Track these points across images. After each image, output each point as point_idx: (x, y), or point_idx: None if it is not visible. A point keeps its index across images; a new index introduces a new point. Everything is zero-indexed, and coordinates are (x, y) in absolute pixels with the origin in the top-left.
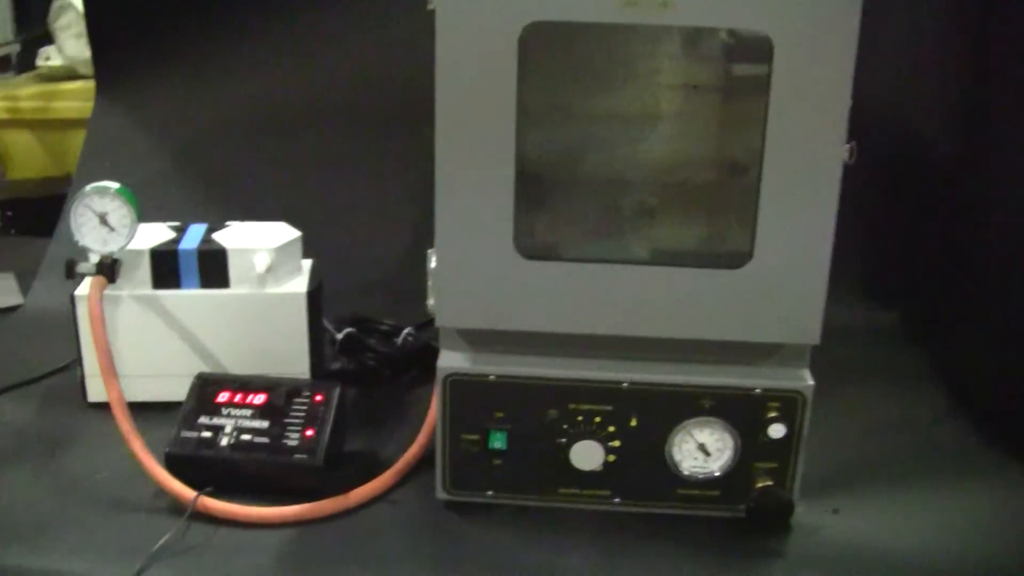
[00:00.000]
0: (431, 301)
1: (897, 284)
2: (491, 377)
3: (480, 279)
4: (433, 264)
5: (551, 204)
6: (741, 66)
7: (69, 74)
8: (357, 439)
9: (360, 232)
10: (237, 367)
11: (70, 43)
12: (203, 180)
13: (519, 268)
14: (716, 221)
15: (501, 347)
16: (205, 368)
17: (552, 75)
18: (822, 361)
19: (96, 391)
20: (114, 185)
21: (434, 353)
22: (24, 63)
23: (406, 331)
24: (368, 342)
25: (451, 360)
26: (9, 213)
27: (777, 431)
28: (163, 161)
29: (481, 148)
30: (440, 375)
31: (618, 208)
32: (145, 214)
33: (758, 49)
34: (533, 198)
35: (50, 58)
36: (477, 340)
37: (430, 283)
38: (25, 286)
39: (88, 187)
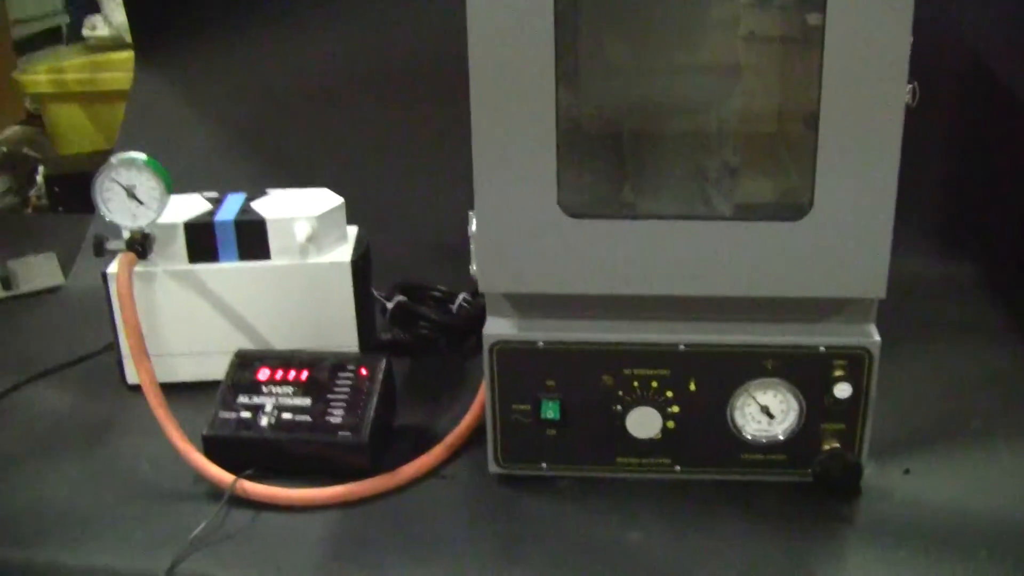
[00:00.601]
0: (474, 266)
1: (973, 232)
2: (539, 344)
3: (523, 240)
4: (474, 227)
5: (596, 158)
6: (794, 9)
7: (117, 44)
8: (410, 414)
9: (410, 194)
10: (282, 342)
11: (117, 11)
12: (247, 150)
13: (564, 227)
14: (773, 172)
15: (549, 312)
16: (248, 345)
17: (594, 19)
18: (892, 315)
19: (134, 373)
20: (141, 156)
21: None
22: (73, 34)
23: (461, 296)
24: (420, 310)
25: (497, 327)
26: (56, 189)
27: (843, 391)
28: (206, 132)
29: (519, 99)
30: (486, 343)
31: (667, 161)
32: (187, 186)
33: None
34: (577, 152)
35: (96, 28)
36: (524, 305)
37: (472, 247)
38: (69, 266)
39: (114, 159)
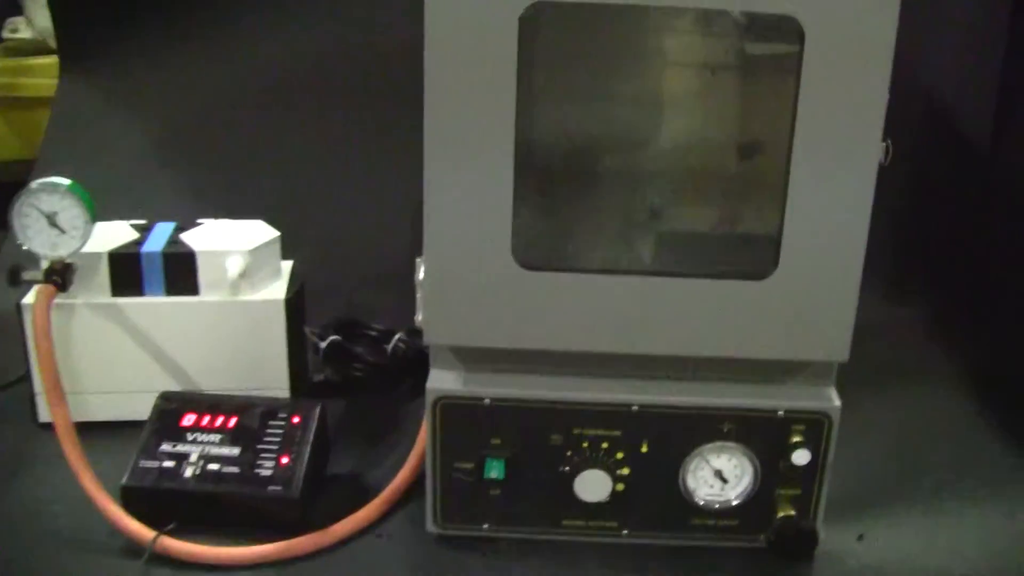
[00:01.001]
0: (419, 316)
1: (920, 276)
2: (486, 400)
3: (474, 291)
4: (422, 275)
5: (553, 208)
6: (765, 47)
7: (39, 48)
8: (342, 461)
9: (349, 224)
10: (209, 383)
11: (41, 14)
12: (178, 163)
13: (518, 279)
14: (737, 228)
15: (498, 366)
16: (173, 384)
17: (556, 59)
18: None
19: (48, 410)
20: (64, 181)
21: (429, 361)
22: None
23: (397, 337)
24: (355, 350)
25: (442, 381)
26: None
27: (801, 457)
28: (133, 146)
29: (475, 143)
30: (429, 398)
31: (628, 212)
32: (112, 206)
33: (785, 29)
34: (533, 201)
35: (18, 30)
36: (471, 358)
37: (419, 295)
38: None
39: (34, 183)
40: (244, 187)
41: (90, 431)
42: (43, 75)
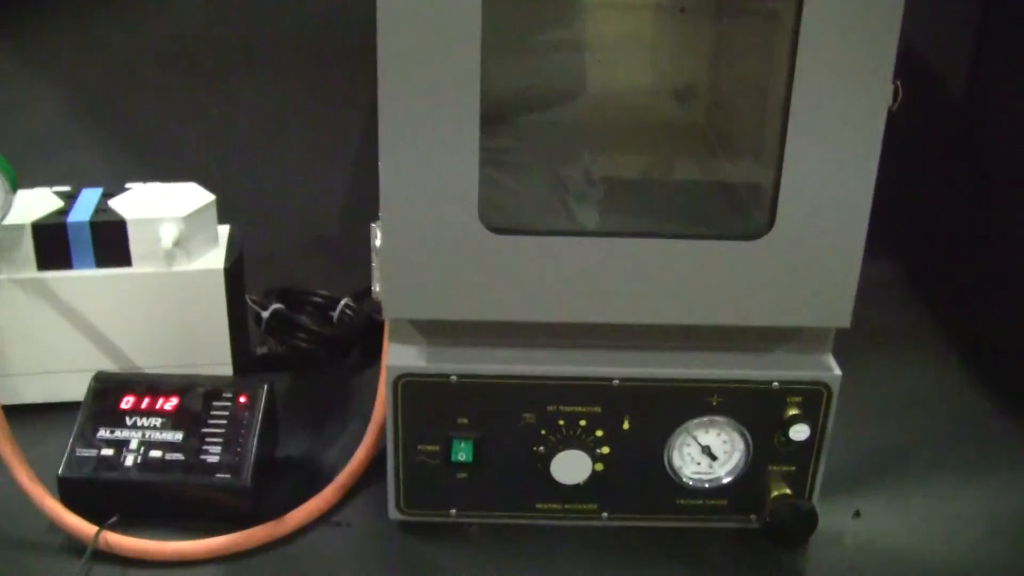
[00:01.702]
0: (376, 287)
1: (893, 231)
2: (452, 377)
3: (437, 258)
4: (378, 241)
5: (524, 164)
6: None
7: None
8: (293, 442)
9: (286, 184)
10: (146, 360)
11: None
12: (102, 126)
13: (485, 243)
14: (728, 183)
15: (463, 340)
16: (108, 363)
17: (522, 2)
18: None
19: None
20: None
21: (378, 328)
22: None
23: (343, 303)
24: (299, 320)
25: (403, 357)
26: None
27: (800, 432)
28: (53, 107)
29: (436, 91)
30: (390, 376)
31: (606, 168)
32: (33, 171)
33: None
34: (502, 157)
35: None
36: (434, 331)
37: (375, 264)
38: None
39: None
40: (173, 148)
41: (21, 414)
42: None
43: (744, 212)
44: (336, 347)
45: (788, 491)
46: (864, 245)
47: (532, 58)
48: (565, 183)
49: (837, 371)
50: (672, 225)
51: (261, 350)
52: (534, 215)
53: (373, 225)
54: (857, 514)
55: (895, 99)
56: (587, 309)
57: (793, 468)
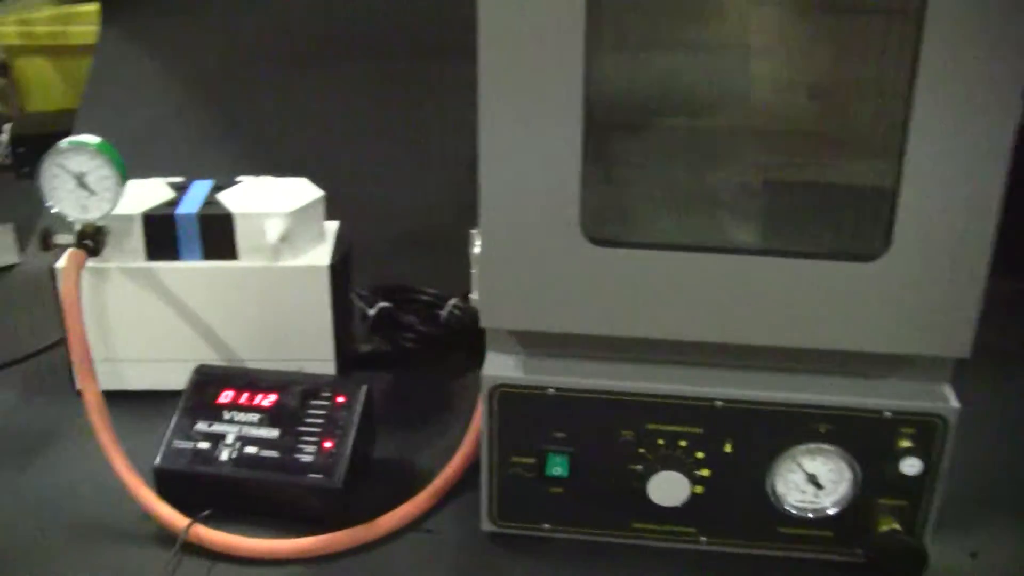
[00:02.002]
0: (475, 294)
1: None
2: (549, 390)
3: (536, 269)
4: (477, 249)
5: (627, 174)
6: None
7: None
8: (390, 443)
9: (399, 181)
10: (249, 353)
11: None
12: (218, 115)
13: (586, 256)
14: (843, 201)
15: (562, 351)
16: (211, 354)
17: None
18: None
19: None
20: (94, 140)
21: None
22: None
23: (451, 303)
24: (405, 320)
25: (500, 367)
26: (21, 150)
27: (911, 466)
28: (175, 97)
29: (538, 96)
30: (486, 385)
31: (715, 181)
32: (151, 153)
33: None
34: (605, 166)
35: None
36: (532, 342)
37: (474, 271)
38: (26, 240)
39: (63, 142)
40: (288, 142)
41: (126, 400)
42: (90, 21)
43: (860, 231)
44: (441, 347)
45: (897, 527)
46: (988, 270)
47: (649, 62)
48: (674, 195)
49: (955, 403)
50: (784, 241)
51: (365, 348)
52: (638, 227)
53: (472, 231)
54: (974, 555)
55: None
56: (690, 326)
57: (904, 503)
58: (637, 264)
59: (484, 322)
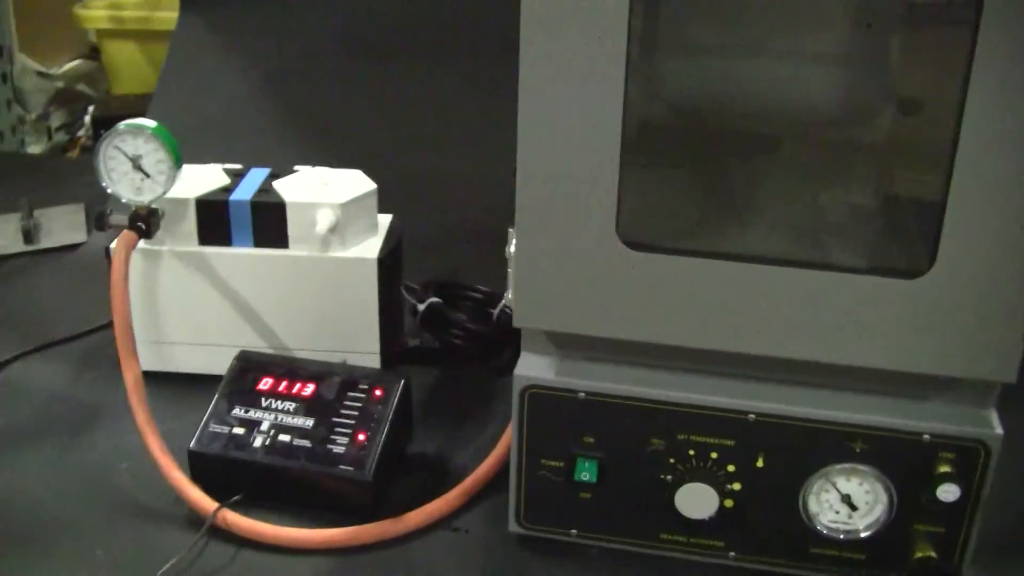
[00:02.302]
0: (510, 294)
1: None
2: (580, 394)
3: (571, 272)
4: (513, 248)
5: (666, 179)
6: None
7: None
8: (428, 438)
9: (456, 177)
10: (296, 342)
11: None
12: (284, 105)
13: (622, 261)
14: (889, 215)
15: (595, 355)
16: (258, 341)
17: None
18: None
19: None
20: (150, 124)
21: None
22: None
23: (504, 301)
24: (455, 317)
25: (532, 367)
26: (102, 131)
27: (948, 493)
28: (248, 86)
29: (577, 98)
30: (517, 386)
31: (757, 188)
32: (217, 139)
33: None
34: (644, 170)
35: None
36: (566, 344)
37: (510, 271)
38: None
39: (121, 124)
40: (355, 134)
41: (174, 382)
42: (176, 8)
43: (905, 247)
44: (490, 346)
45: (933, 554)
46: None
47: (691, 66)
48: (714, 201)
49: (999, 430)
50: (826, 254)
51: (413, 343)
52: (676, 233)
53: (510, 230)
54: None
55: None
56: (726, 337)
57: (942, 529)
58: (673, 271)
59: (517, 322)
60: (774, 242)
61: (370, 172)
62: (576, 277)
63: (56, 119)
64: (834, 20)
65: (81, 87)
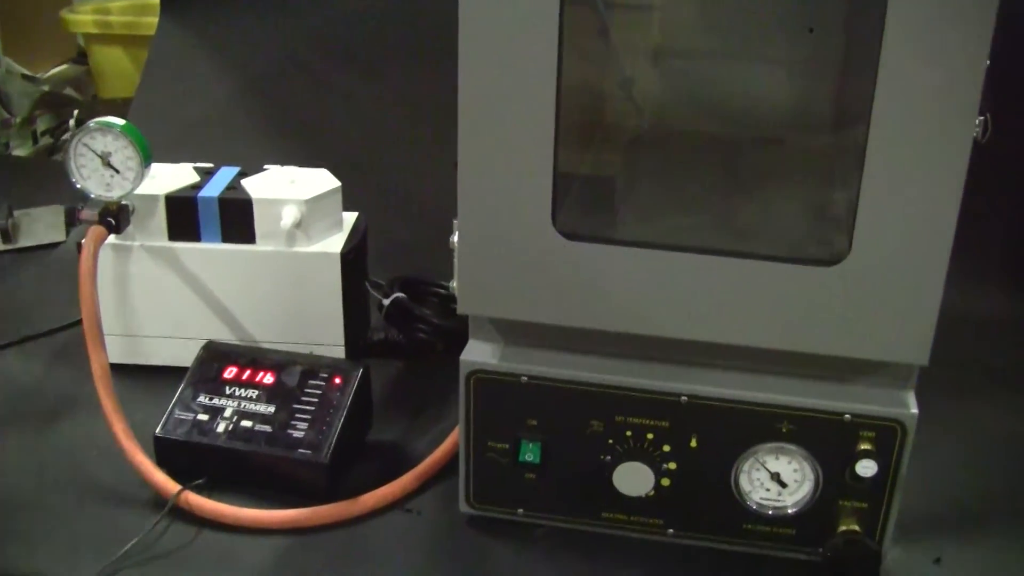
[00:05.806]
0: (454, 282)
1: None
2: (523, 378)
3: (511, 261)
4: (456, 237)
5: (601, 171)
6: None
7: None
8: (387, 427)
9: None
10: (264, 335)
11: None
12: (261, 109)
13: (558, 250)
14: (808, 204)
15: (537, 341)
16: (227, 334)
17: None
18: (938, 358)
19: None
20: (119, 122)
21: None
22: None
23: None
24: (419, 311)
25: (477, 353)
26: None
27: (866, 468)
28: (222, 88)
29: (512, 92)
30: (463, 370)
31: (685, 181)
32: (198, 143)
33: None
34: (577, 162)
35: None
36: (511, 331)
37: (455, 260)
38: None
39: (91, 122)
40: (328, 136)
41: (143, 374)
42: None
43: (823, 236)
44: (454, 340)
45: (856, 528)
46: (944, 280)
47: (621, 65)
48: (643, 193)
49: (914, 409)
50: (749, 243)
51: (378, 336)
52: (609, 224)
53: (455, 221)
54: (938, 561)
55: (984, 132)
56: (657, 323)
57: (865, 505)
58: (607, 260)
59: (461, 309)
60: (702, 232)
61: (345, 173)
62: (515, 266)
63: (42, 123)
64: (752, 23)
65: (68, 91)
